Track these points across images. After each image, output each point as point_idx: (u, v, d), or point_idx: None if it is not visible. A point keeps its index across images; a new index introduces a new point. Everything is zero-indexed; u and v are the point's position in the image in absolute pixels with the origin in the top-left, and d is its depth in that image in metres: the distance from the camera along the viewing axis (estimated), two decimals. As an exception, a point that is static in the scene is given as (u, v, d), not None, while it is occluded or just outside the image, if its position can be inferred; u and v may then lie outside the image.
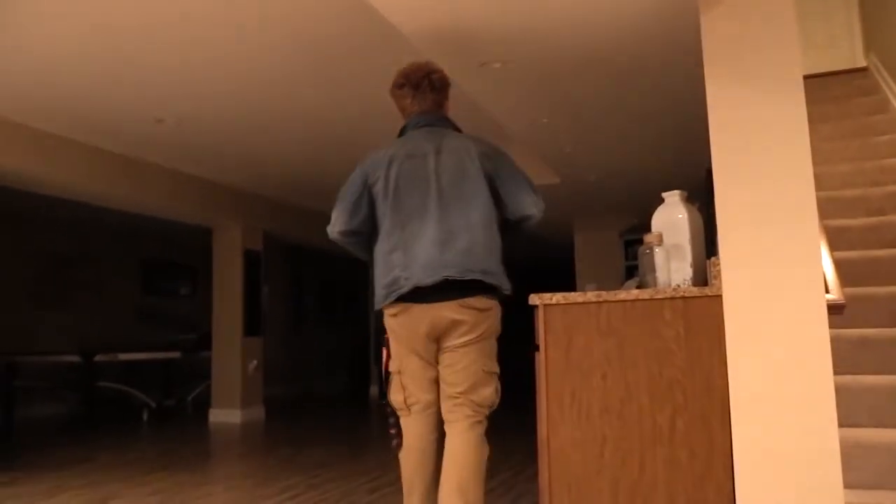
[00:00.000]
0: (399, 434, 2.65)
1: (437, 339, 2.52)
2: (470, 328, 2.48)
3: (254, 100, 4.77)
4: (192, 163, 6.36)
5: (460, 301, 2.46)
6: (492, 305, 2.54)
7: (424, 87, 2.71)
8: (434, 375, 2.56)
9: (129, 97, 4.67)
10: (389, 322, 2.59)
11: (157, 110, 4.95)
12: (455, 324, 2.47)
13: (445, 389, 2.53)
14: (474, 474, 2.42)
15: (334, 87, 4.57)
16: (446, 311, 2.46)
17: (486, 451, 2.50)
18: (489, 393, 2.52)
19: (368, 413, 8.15)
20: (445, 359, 2.52)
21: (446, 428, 2.53)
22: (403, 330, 2.53)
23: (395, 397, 2.61)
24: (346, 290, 12.82)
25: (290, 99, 4.77)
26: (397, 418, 2.64)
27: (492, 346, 2.58)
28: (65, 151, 5.47)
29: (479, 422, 2.50)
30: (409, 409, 2.58)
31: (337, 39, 3.86)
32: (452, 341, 2.50)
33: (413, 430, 2.57)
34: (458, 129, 2.74)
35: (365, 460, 4.81)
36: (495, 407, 2.57)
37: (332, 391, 11.46)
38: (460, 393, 2.49)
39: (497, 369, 2.58)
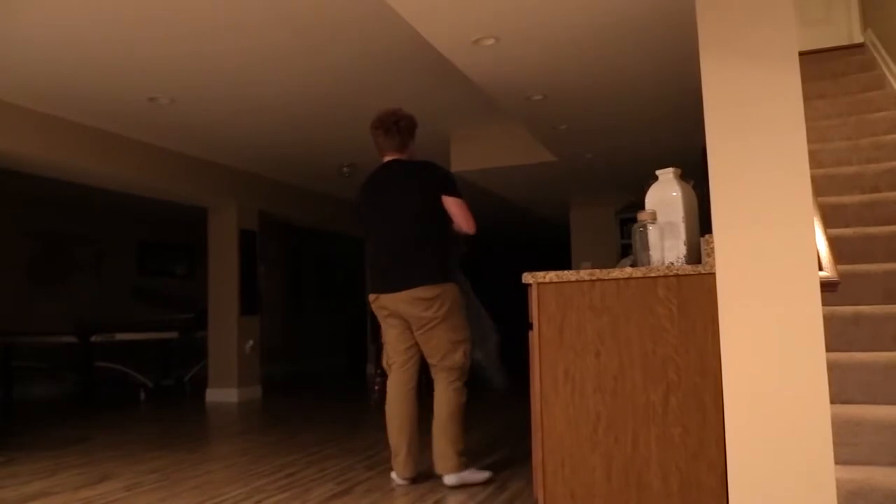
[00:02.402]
0: (379, 392, 3.74)
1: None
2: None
3: (246, 79, 4.74)
4: (185, 142, 6.33)
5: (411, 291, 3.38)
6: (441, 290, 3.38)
7: (393, 131, 3.54)
8: (408, 344, 3.50)
9: (120, 75, 4.64)
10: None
11: (149, 89, 4.92)
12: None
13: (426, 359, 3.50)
14: (452, 416, 3.39)
15: (327, 67, 4.54)
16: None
17: (461, 399, 3.43)
18: (458, 357, 3.42)
19: (365, 391, 8.18)
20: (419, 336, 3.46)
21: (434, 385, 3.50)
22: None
23: (383, 361, 3.59)
24: (344, 268, 12.83)
25: (284, 78, 4.74)
26: (382, 381, 3.53)
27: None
28: (59, 132, 5.44)
29: (452, 381, 3.42)
30: (390, 368, 3.54)
31: (331, 19, 3.83)
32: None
33: (392, 381, 3.53)
34: (412, 163, 3.56)
35: (362, 438, 4.83)
36: (467, 367, 3.47)
37: (330, 370, 11.50)
38: (436, 362, 3.45)
39: (462, 337, 3.44)
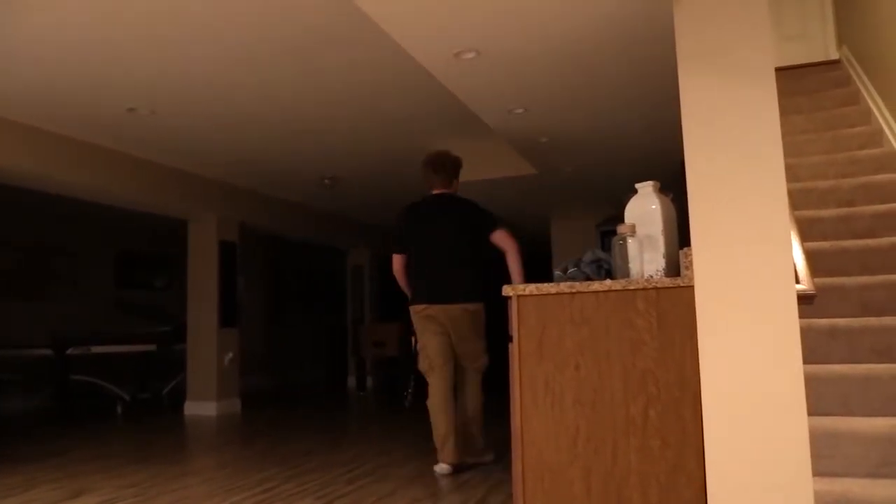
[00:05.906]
0: (413, 395, 4.39)
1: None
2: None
3: (228, 91, 4.73)
4: (165, 153, 6.30)
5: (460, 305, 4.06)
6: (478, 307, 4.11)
7: (442, 170, 4.25)
8: (447, 348, 4.08)
9: (99, 86, 4.61)
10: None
11: (129, 100, 4.89)
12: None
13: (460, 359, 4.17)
14: (479, 409, 4.20)
15: (310, 80, 4.54)
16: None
17: (483, 396, 4.21)
18: (484, 361, 4.20)
19: (346, 404, 8.14)
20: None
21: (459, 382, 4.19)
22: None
23: (422, 365, 4.14)
24: (325, 280, 12.78)
25: (265, 90, 4.73)
26: (415, 385, 4.27)
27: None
28: (36, 142, 5.39)
29: (478, 382, 4.18)
30: (432, 370, 4.08)
31: (313, 30, 3.83)
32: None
33: (435, 381, 4.09)
34: (459, 198, 4.24)
35: (343, 451, 4.80)
36: (485, 368, 4.21)
37: (310, 382, 11.43)
38: (468, 365, 4.15)
39: (484, 346, 4.18)
